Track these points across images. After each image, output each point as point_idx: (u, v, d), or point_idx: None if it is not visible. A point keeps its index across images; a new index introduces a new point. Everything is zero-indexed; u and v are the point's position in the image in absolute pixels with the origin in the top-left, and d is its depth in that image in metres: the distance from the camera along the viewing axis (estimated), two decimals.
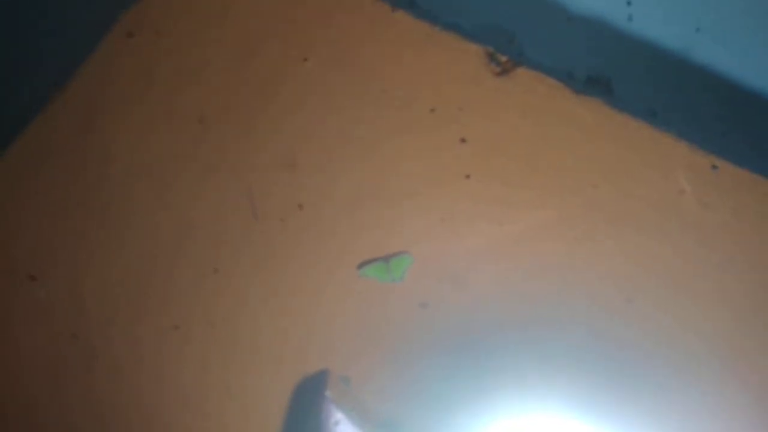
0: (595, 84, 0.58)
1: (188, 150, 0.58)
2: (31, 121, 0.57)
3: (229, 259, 0.57)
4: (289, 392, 0.56)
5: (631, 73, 0.59)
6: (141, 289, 0.57)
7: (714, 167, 0.56)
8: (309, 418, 0.54)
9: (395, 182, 0.57)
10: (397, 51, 0.57)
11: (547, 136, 0.57)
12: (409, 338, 0.56)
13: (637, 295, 0.56)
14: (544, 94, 0.57)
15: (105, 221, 0.57)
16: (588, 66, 0.58)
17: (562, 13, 0.59)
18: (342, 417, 0.53)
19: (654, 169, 0.56)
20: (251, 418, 0.56)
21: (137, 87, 0.58)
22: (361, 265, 0.57)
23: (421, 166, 0.57)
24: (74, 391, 0.56)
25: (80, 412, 0.56)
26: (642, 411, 0.55)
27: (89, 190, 0.58)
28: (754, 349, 0.55)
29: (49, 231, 0.57)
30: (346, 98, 0.58)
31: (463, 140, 0.58)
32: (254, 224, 0.57)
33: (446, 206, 0.57)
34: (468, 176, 0.57)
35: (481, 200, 0.57)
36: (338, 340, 0.57)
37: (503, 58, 0.57)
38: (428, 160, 0.57)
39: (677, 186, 0.56)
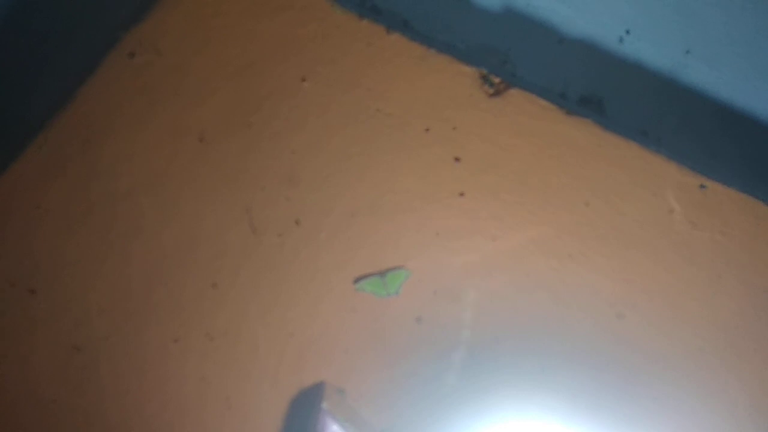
0: (587, 104, 0.58)
1: (188, 168, 0.58)
2: (34, 139, 0.58)
3: (228, 274, 0.58)
4: (286, 404, 0.57)
5: (623, 93, 0.60)
6: (141, 303, 0.58)
7: (702, 186, 0.57)
8: (305, 430, 0.55)
9: (391, 199, 0.58)
10: (392, 72, 0.58)
11: (539, 156, 0.58)
12: (404, 352, 0.57)
13: (627, 311, 0.57)
14: (536, 114, 0.57)
15: (105, 236, 0.58)
16: (580, 87, 0.58)
17: (555, 35, 0.60)
18: (338, 429, 0.53)
19: (644, 187, 0.57)
20: (249, 429, 0.57)
21: (139, 106, 0.58)
22: (357, 280, 0.58)
23: (417, 183, 0.58)
24: (75, 403, 0.57)
25: (81, 423, 0.57)
26: (632, 425, 0.56)
27: (90, 206, 0.58)
28: (742, 365, 0.56)
29: (49, 246, 0.58)
30: (343, 117, 0.58)
31: (457, 159, 0.58)
32: (253, 240, 0.58)
33: (441, 222, 0.58)
34: (462, 194, 0.58)
35: (475, 217, 0.58)
36: (334, 353, 0.58)
37: (496, 80, 0.57)
38: (423, 178, 0.58)
39: (667, 205, 0.57)
